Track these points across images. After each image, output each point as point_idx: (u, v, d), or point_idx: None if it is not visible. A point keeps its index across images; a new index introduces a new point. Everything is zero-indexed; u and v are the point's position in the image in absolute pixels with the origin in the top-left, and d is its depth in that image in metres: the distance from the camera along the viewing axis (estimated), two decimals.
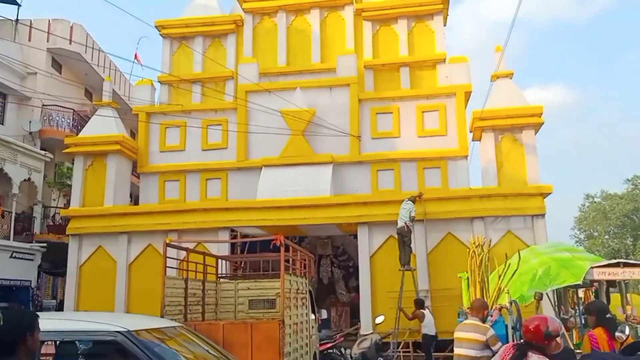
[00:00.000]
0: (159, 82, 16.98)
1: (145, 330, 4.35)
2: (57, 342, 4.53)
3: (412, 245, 13.29)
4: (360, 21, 16.44)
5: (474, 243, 9.26)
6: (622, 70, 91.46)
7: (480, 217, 13.97)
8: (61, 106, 20.53)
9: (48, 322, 3.65)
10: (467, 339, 5.84)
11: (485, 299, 8.57)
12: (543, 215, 13.86)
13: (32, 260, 18.22)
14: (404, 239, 13.11)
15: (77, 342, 4.84)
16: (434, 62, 15.87)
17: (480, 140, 15.03)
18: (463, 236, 13.57)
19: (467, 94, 15.43)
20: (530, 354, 3.79)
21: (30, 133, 19.80)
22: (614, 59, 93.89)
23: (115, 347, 4.05)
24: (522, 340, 4.31)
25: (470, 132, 15.31)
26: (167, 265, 8.07)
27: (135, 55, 19.22)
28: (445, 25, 16.33)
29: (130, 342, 3.92)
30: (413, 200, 13.56)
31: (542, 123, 14.49)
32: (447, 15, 16.38)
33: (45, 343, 4.33)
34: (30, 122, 19.70)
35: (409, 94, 15.55)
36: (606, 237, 43.78)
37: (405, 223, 13.03)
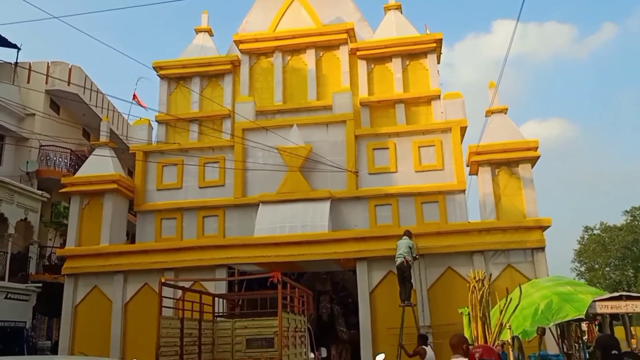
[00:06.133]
0: (156, 121, 17.07)
1: None
2: None
3: (412, 281, 13.15)
4: (355, 60, 16.70)
5: (474, 278, 9.15)
6: (619, 107, 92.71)
7: (480, 251, 13.89)
8: (59, 146, 20.61)
9: None
10: None
11: (487, 335, 8.43)
12: (543, 249, 13.78)
13: (27, 301, 18.02)
14: (403, 274, 12.94)
15: None
16: (428, 98, 16.06)
17: (477, 174, 15.06)
18: (463, 271, 13.43)
19: (463, 129, 15.54)
20: None
21: (28, 173, 19.83)
22: (612, 95, 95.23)
23: None
24: None
25: (467, 166, 15.36)
26: (163, 304, 7.98)
27: (134, 95, 19.43)
28: (439, 63, 16.61)
29: None
30: (409, 234, 13.44)
31: (539, 157, 14.56)
32: (441, 53, 16.66)
33: None
34: (27, 162, 19.76)
35: (404, 130, 15.67)
36: (607, 269, 43.45)
37: (405, 258, 12.88)
